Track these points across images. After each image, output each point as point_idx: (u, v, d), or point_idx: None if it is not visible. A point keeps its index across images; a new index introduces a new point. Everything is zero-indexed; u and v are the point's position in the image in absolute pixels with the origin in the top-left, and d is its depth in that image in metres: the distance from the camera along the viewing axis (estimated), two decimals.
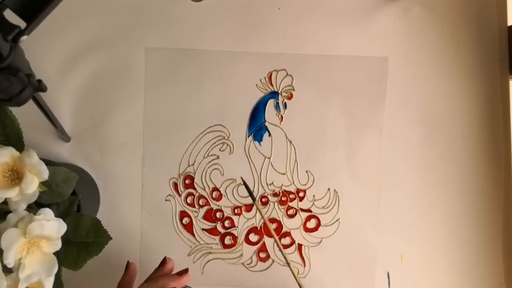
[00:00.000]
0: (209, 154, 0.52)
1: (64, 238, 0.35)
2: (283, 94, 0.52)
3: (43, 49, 0.51)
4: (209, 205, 0.52)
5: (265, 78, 0.52)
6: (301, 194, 0.52)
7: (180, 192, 0.52)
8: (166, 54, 0.52)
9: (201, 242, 0.52)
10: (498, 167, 0.53)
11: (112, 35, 0.51)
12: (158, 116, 0.52)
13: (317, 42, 0.52)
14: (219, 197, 0.52)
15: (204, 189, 0.52)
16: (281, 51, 0.52)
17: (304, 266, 0.52)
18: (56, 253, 0.35)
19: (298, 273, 0.52)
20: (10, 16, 0.31)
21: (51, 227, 0.34)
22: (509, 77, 0.53)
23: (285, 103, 0.52)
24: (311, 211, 0.52)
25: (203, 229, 0.52)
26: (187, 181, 0.52)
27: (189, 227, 0.52)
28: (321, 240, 0.52)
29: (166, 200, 0.52)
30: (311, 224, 0.53)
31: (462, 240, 0.53)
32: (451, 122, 0.53)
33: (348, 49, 0.52)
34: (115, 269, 0.51)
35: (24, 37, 0.31)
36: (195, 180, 0.52)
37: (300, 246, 0.52)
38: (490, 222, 0.53)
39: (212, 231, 0.52)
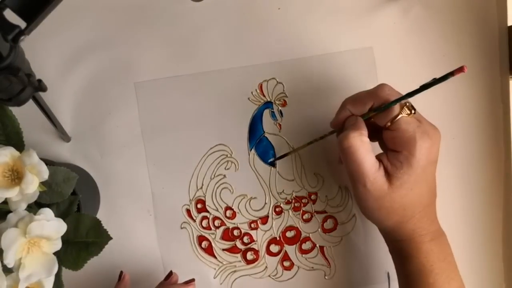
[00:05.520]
0: (216, 175, 0.52)
1: (64, 238, 0.35)
2: (277, 102, 0.52)
3: (43, 49, 0.51)
4: (225, 224, 0.52)
5: (256, 90, 0.52)
6: (313, 197, 0.52)
7: (194, 218, 0.52)
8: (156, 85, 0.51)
9: (224, 263, 0.52)
10: (498, 167, 0.53)
11: (112, 35, 0.51)
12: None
13: (316, 43, 0.52)
14: (233, 215, 0.52)
15: (217, 210, 0.52)
16: (267, 61, 0.52)
17: (330, 267, 0.52)
18: (56, 253, 0.35)
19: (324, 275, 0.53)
20: (10, 16, 0.31)
21: (51, 227, 0.34)
22: (509, 77, 0.53)
23: (280, 111, 0.52)
24: (326, 212, 0.52)
25: (223, 249, 0.52)
26: (199, 205, 0.52)
27: (209, 250, 0.52)
28: (341, 239, 0.52)
29: (182, 228, 0.52)
30: (329, 224, 0.53)
31: (462, 240, 0.53)
32: (451, 122, 0.53)
33: (346, 49, 0.52)
34: (115, 269, 0.51)
35: (24, 37, 0.31)
36: (206, 203, 0.52)
37: (322, 248, 0.52)
38: (490, 222, 0.53)
39: (232, 250, 0.52)
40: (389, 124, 0.41)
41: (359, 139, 0.41)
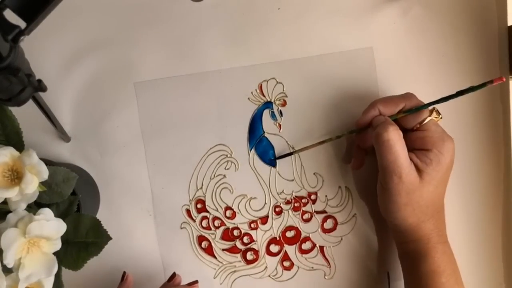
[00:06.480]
0: (216, 175, 0.52)
1: (64, 238, 0.35)
2: (277, 102, 0.52)
3: (43, 49, 0.51)
4: (225, 225, 0.52)
5: (256, 90, 0.52)
6: (313, 197, 0.52)
7: (194, 218, 0.52)
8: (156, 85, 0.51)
9: (224, 263, 0.52)
10: (498, 167, 0.53)
11: (112, 35, 0.51)
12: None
13: (316, 43, 0.52)
14: (233, 215, 0.52)
15: (217, 210, 0.52)
16: (267, 61, 0.52)
17: (330, 267, 0.52)
18: (56, 253, 0.35)
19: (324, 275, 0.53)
20: (10, 16, 0.31)
21: (50, 227, 0.34)
22: (509, 77, 0.53)
23: (280, 110, 0.52)
24: (326, 212, 0.52)
25: (223, 250, 0.52)
26: (198, 206, 0.52)
27: (209, 250, 0.52)
28: (341, 239, 0.52)
29: (181, 228, 0.52)
30: (329, 224, 0.53)
31: (462, 240, 0.53)
32: (450, 122, 0.53)
33: (346, 49, 0.52)
34: (115, 269, 0.51)
35: (23, 37, 0.31)
36: (206, 203, 0.52)
37: (321, 248, 0.52)
38: (490, 222, 0.53)
39: (232, 250, 0.52)
40: (418, 125, 0.44)
41: (398, 133, 0.43)
